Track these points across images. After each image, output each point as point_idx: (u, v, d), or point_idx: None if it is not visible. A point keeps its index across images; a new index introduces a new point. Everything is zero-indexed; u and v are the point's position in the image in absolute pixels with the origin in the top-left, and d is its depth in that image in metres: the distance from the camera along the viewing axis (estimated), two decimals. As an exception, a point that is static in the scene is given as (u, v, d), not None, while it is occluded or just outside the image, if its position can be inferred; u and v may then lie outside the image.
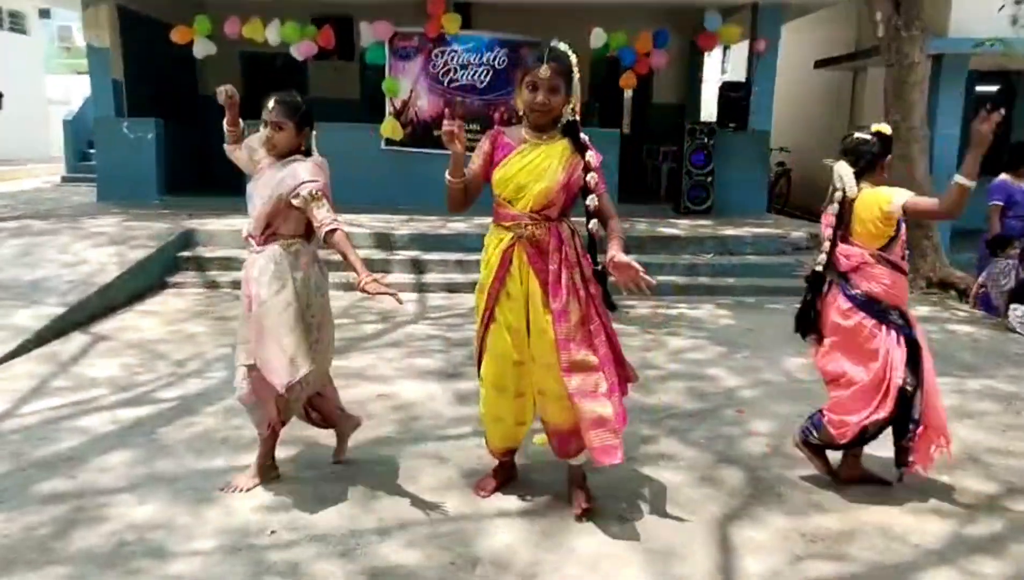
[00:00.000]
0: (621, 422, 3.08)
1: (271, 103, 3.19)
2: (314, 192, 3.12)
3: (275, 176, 3.20)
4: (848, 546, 3.07)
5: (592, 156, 3.08)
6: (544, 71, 2.96)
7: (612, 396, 3.08)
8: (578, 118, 3.11)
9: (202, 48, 10.11)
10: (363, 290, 2.96)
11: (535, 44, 9.94)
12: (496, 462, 3.50)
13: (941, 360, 4.60)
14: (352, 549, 2.99)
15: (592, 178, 3.06)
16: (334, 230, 3.12)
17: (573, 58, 3.05)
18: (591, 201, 3.08)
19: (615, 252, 2.96)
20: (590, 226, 3.08)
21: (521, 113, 3.12)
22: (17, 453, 3.78)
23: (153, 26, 11.17)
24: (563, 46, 3.05)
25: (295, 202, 3.13)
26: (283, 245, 3.24)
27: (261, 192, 3.21)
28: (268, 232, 3.23)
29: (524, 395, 3.25)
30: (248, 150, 3.39)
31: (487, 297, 3.17)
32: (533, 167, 3.06)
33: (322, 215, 3.13)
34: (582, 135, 3.11)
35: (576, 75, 3.05)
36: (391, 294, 2.94)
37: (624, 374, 3.24)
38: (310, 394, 3.47)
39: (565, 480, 3.40)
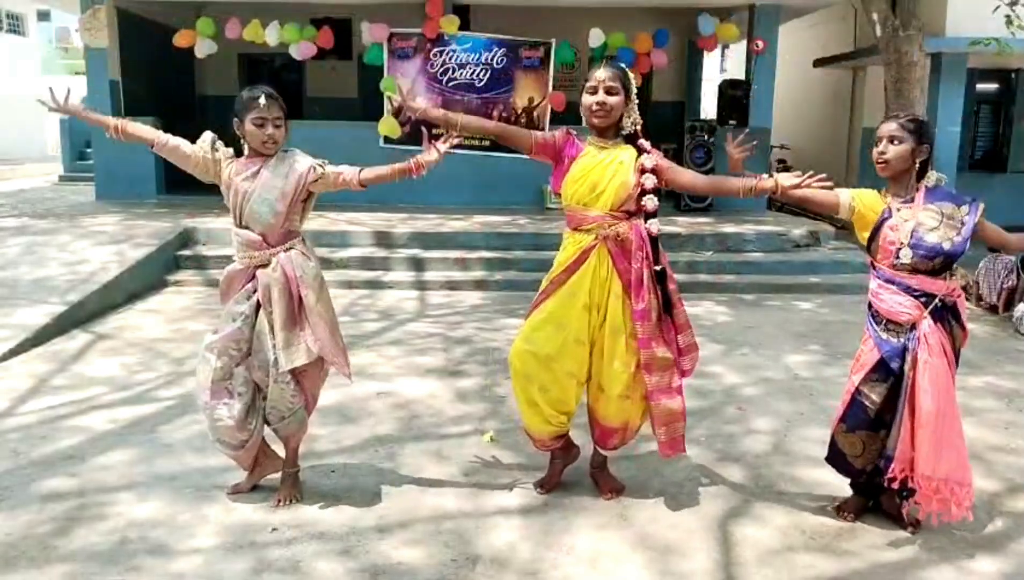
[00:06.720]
0: (685, 414, 3.28)
1: (264, 100, 3.08)
2: (323, 163, 3.21)
3: (278, 173, 3.16)
4: (848, 543, 3.07)
5: (648, 158, 3.13)
6: (602, 73, 3.10)
7: (681, 391, 3.24)
8: (638, 129, 3.19)
9: (203, 48, 10.11)
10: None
11: (533, 44, 10.12)
12: (549, 454, 3.47)
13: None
14: (353, 547, 2.99)
15: (648, 180, 3.11)
16: (361, 171, 3.22)
17: (632, 75, 3.19)
18: (648, 201, 3.14)
19: (764, 179, 2.99)
20: (648, 225, 3.15)
21: (585, 123, 3.19)
22: (17, 451, 3.79)
23: (151, 27, 11.16)
24: (622, 65, 3.22)
25: (312, 177, 3.16)
26: (300, 241, 3.25)
27: (266, 194, 3.14)
28: (285, 228, 3.20)
29: (549, 390, 3.20)
30: (203, 151, 3.28)
31: (549, 284, 3.22)
32: (606, 166, 3.13)
33: (343, 170, 3.20)
34: (641, 141, 3.18)
35: (634, 88, 3.17)
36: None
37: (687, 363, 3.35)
38: None
39: (588, 465, 3.51)
